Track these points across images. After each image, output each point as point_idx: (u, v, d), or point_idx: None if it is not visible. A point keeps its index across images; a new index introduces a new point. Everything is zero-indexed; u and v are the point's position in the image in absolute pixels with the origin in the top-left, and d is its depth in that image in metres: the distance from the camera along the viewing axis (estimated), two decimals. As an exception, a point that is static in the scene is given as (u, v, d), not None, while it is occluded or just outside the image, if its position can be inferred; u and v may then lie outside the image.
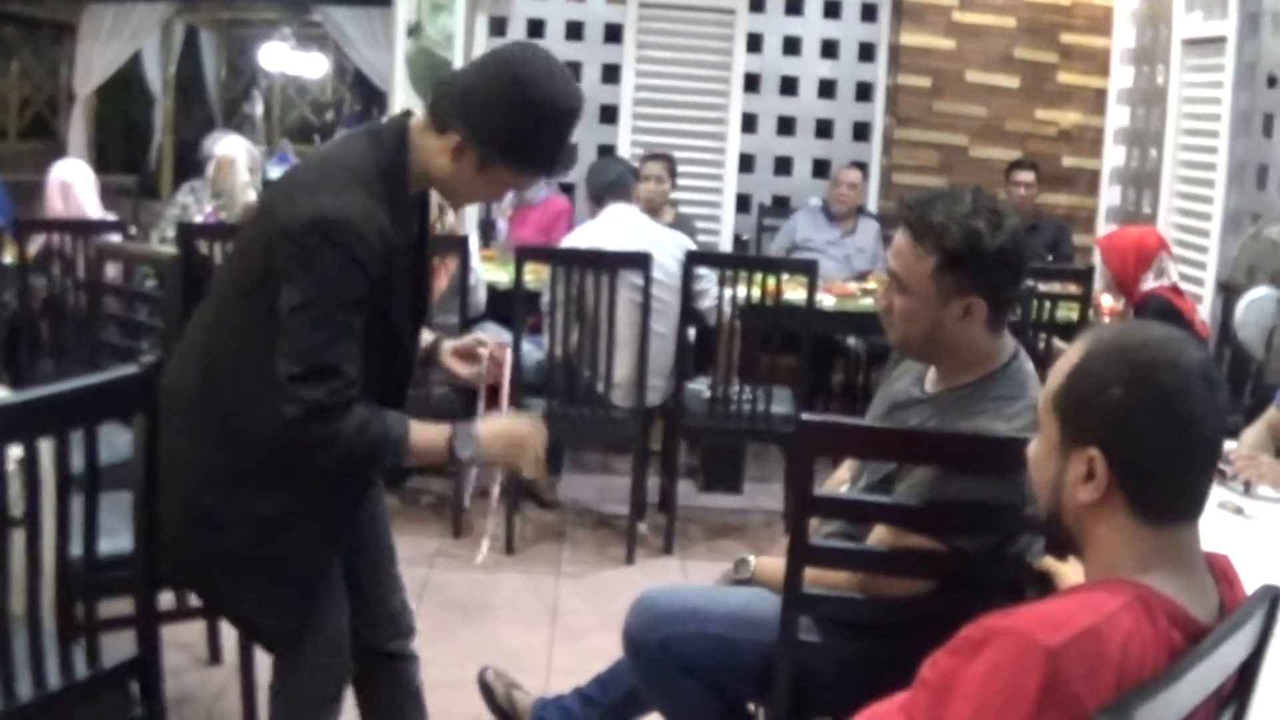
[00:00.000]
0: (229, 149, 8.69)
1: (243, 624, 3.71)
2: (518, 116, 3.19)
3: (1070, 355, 2.26)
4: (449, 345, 3.73)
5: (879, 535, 3.40)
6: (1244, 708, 2.26)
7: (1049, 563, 3.20)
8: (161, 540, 3.32)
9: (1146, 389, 2.14)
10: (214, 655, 5.13)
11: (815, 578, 3.35)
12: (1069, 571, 3.13)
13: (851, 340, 8.89)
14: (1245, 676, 2.25)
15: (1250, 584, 2.30)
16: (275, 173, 11.10)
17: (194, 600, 4.39)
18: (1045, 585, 3.19)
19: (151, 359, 3.29)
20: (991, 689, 2.00)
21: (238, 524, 3.29)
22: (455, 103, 3.22)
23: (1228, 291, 7.36)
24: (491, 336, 3.69)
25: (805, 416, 3.33)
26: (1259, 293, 6.86)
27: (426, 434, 3.33)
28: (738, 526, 7.49)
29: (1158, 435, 2.13)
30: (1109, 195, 10.62)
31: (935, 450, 3.33)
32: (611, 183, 7.18)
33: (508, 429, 3.49)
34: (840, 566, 3.42)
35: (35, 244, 7.51)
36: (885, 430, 3.51)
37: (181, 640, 5.01)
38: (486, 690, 4.65)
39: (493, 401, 5.55)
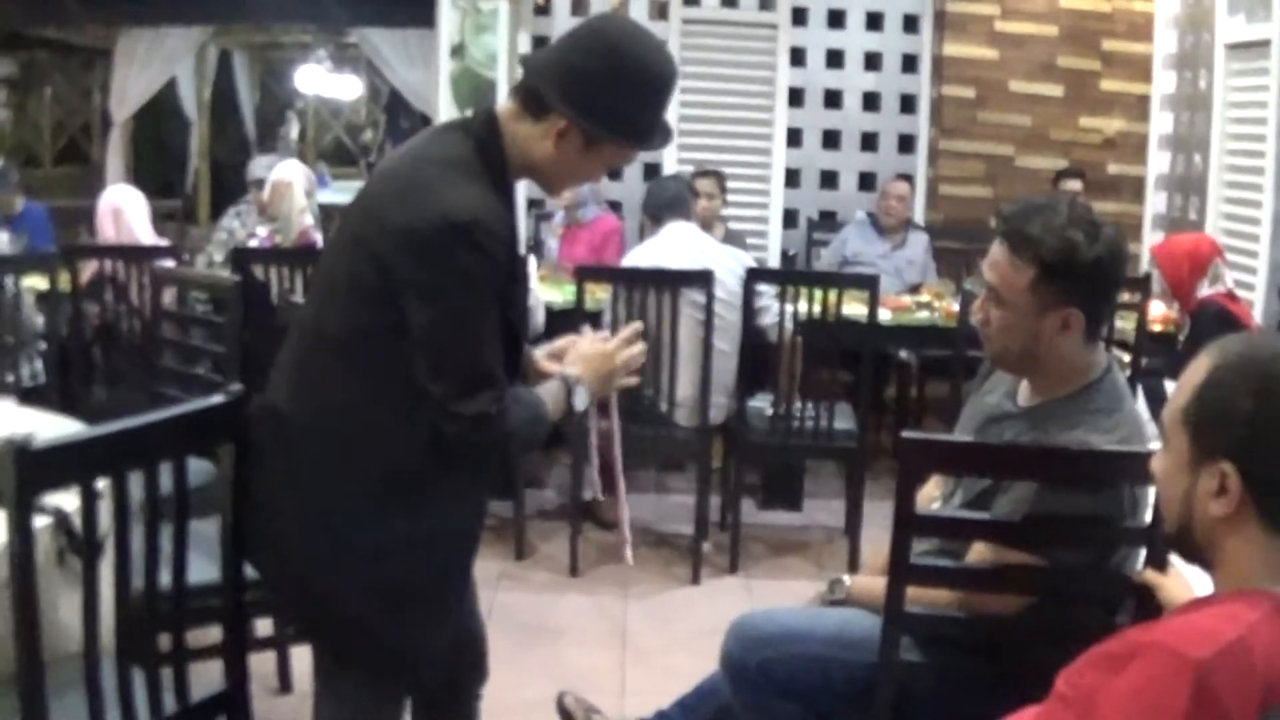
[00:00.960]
0: (286, 173, 8.64)
1: (361, 654, 3.35)
2: (623, 89, 3.09)
3: (1197, 369, 2.23)
4: (541, 352, 3.66)
5: (979, 552, 3.37)
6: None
7: (1150, 575, 3.15)
8: (278, 577, 3.27)
9: (1278, 400, 2.10)
10: (284, 684, 5.10)
11: (914, 596, 3.32)
12: (1171, 584, 3.09)
13: (904, 354, 8.84)
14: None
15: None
16: (321, 195, 11.12)
17: (261, 629, 4.36)
18: (1145, 598, 3.14)
19: (238, 388, 3.24)
20: (1140, 704, 1.96)
21: (377, 555, 3.14)
22: (554, 84, 3.07)
23: (1231, 299, 7.29)
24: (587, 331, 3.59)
25: (906, 434, 3.28)
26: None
27: (549, 395, 3.25)
28: (800, 544, 7.43)
29: None
30: (1155, 202, 10.57)
31: (1036, 465, 3.28)
32: (670, 200, 7.15)
33: (598, 363, 3.39)
34: (941, 585, 3.39)
35: (87, 270, 7.50)
36: (988, 446, 3.46)
37: (252, 670, 4.92)
38: (565, 715, 4.64)
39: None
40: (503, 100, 3.21)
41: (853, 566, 6.66)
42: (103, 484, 2.96)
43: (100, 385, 7.38)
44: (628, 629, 6.08)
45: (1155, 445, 2.46)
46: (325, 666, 3.36)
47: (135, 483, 3.02)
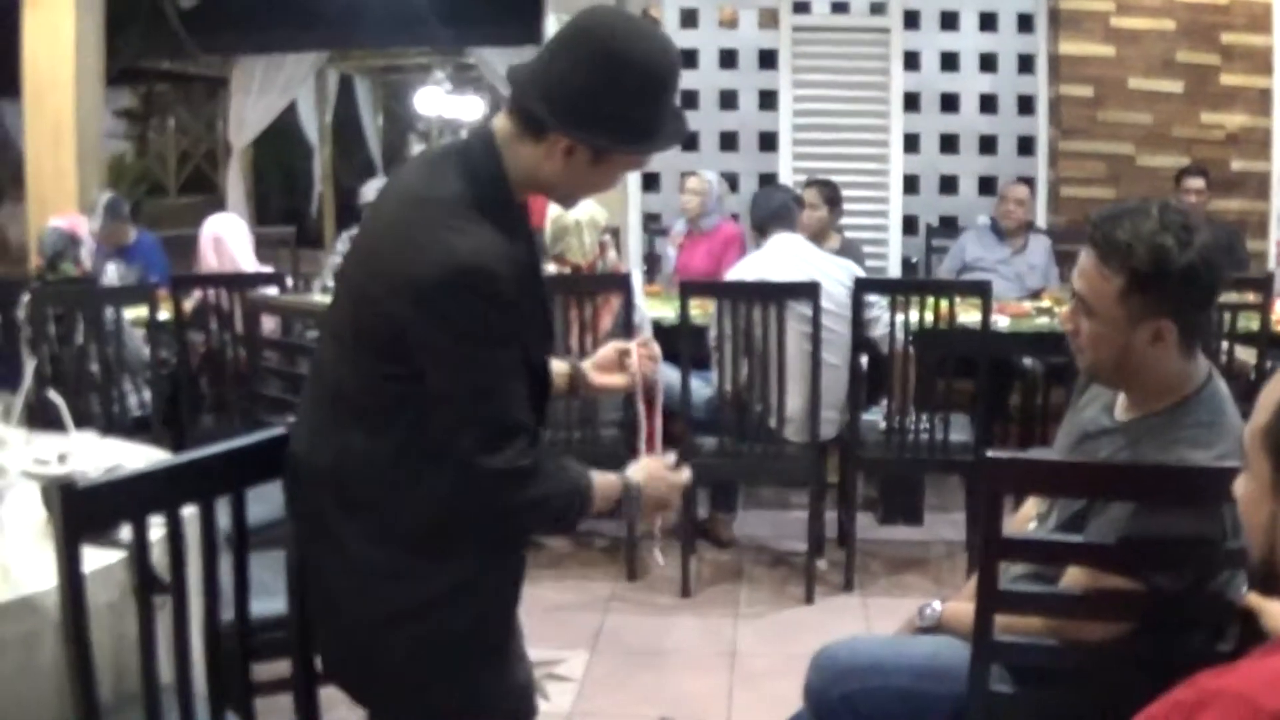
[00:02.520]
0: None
1: (409, 713, 3.25)
2: (622, 95, 2.87)
3: (1277, 385, 2.06)
4: (590, 364, 3.51)
5: (1073, 577, 3.21)
6: None
7: (1253, 599, 2.98)
8: (320, 633, 3.18)
9: None
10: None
11: (1006, 624, 3.17)
12: (1276, 609, 2.93)
13: (1028, 361, 8.66)
14: None
15: None
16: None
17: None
18: (1249, 624, 2.98)
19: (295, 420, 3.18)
20: None
21: (423, 610, 3.01)
22: (549, 103, 2.87)
23: None
24: (635, 341, 3.48)
25: (989, 453, 3.14)
26: None
27: (606, 482, 3.11)
28: (919, 559, 7.28)
29: None
30: (1281, 202, 10.30)
31: (1131, 485, 3.13)
32: (775, 212, 7.02)
33: (663, 488, 3.26)
34: (1032, 612, 3.24)
35: (191, 299, 7.52)
36: (1075, 465, 3.31)
37: (330, 696, 4.86)
38: (667, 740, 4.55)
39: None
40: (498, 120, 3.01)
41: (974, 583, 6.51)
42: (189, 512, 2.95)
43: (207, 414, 7.40)
44: (738, 650, 5.97)
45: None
46: None
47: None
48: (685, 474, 3.33)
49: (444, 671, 3.08)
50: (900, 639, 3.59)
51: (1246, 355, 6.96)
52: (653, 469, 3.27)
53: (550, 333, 3.32)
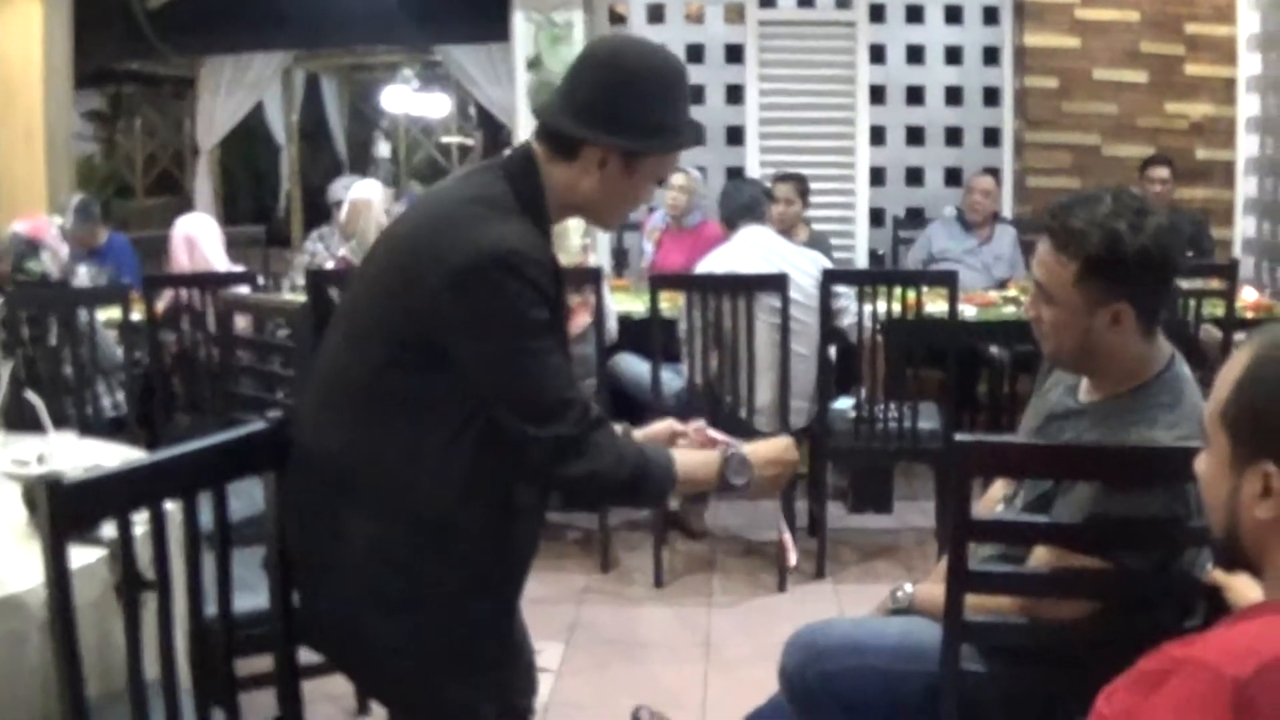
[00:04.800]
0: (364, 192, 8.65)
1: (418, 709, 3.27)
2: (640, 96, 3.02)
3: (1236, 363, 2.08)
4: (638, 435, 3.56)
5: (1041, 556, 3.26)
6: None
7: (1219, 575, 3.02)
8: (320, 624, 3.18)
9: None
10: (362, 707, 5.04)
11: (977, 604, 3.22)
12: (1240, 584, 2.97)
13: (995, 350, 8.72)
14: None
15: None
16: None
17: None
18: (1216, 599, 3.03)
19: (278, 414, 3.21)
20: None
21: (425, 600, 3.05)
22: (574, 117, 3.02)
23: None
24: (691, 425, 3.50)
25: (959, 437, 3.17)
26: None
27: (695, 459, 3.20)
28: (890, 547, 7.35)
29: None
30: (1246, 186, 10.39)
31: (1096, 465, 3.17)
32: (744, 205, 7.08)
33: (778, 455, 3.33)
34: (1001, 592, 3.28)
35: (163, 300, 7.52)
36: (1042, 447, 3.36)
37: (328, 692, 4.85)
38: (641, 730, 4.58)
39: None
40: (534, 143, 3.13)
41: (944, 569, 6.57)
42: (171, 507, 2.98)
43: (182, 413, 7.41)
44: (712, 640, 6.02)
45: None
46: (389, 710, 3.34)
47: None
48: (789, 444, 3.40)
49: (447, 661, 3.11)
50: (873, 620, 3.65)
51: (1214, 330, 7.04)
52: (770, 450, 3.33)
53: (565, 337, 3.38)
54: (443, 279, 2.87)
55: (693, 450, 3.26)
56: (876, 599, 3.74)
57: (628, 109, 3.01)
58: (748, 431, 6.52)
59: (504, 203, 3.00)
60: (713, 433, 3.42)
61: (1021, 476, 3.44)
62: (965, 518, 3.17)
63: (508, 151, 3.22)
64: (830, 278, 6.76)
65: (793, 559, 6.10)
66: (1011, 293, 8.38)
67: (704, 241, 8.96)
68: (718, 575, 6.92)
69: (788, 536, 3.74)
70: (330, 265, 8.46)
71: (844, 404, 7.09)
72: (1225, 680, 1.80)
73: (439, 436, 2.97)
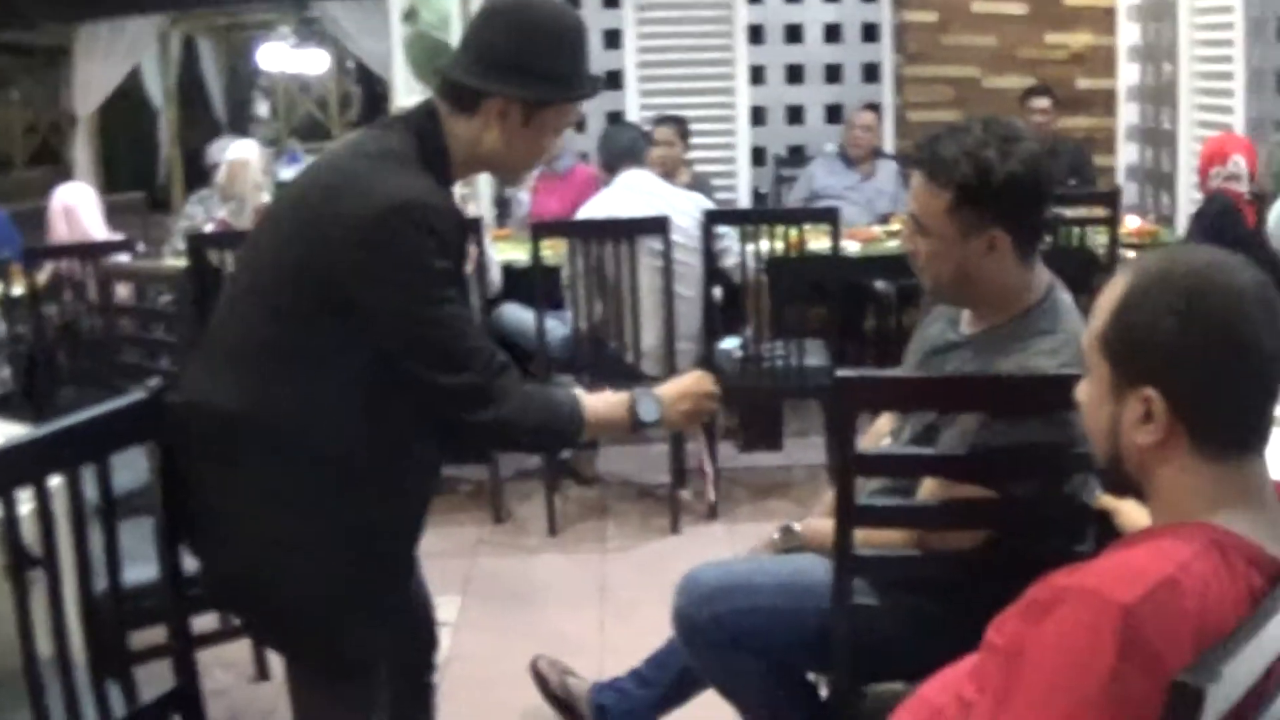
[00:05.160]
0: (241, 152, 8.56)
1: (319, 657, 3.27)
2: (539, 48, 3.04)
3: (1114, 289, 2.09)
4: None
5: (928, 488, 3.27)
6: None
7: (1107, 501, 3.04)
8: (220, 574, 3.18)
9: (1200, 319, 1.98)
10: (261, 672, 5.02)
11: (866, 538, 3.22)
12: (1129, 509, 2.99)
13: (880, 285, 8.75)
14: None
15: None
16: (286, 173, 11.00)
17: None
18: (1105, 524, 3.04)
19: (157, 382, 3.15)
20: (1066, 652, 1.85)
21: (324, 548, 3.05)
22: (474, 70, 3.05)
23: (1259, 200, 7.20)
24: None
25: (841, 372, 3.18)
26: (1286, 200, 6.70)
27: (603, 401, 3.24)
28: (782, 484, 7.37)
29: (1217, 368, 1.98)
30: (1127, 114, 10.43)
31: (978, 395, 3.18)
32: (624, 149, 7.08)
33: (689, 388, 3.38)
34: (890, 525, 3.29)
35: (44, 272, 7.42)
36: (924, 380, 3.37)
37: (227, 659, 4.91)
38: (540, 680, 4.56)
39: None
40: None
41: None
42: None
43: (68, 386, 7.30)
44: (607, 585, 6.03)
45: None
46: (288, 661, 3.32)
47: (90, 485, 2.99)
48: (702, 378, 3.44)
49: (346, 610, 3.12)
50: (763, 559, 3.64)
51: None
52: (681, 385, 3.40)
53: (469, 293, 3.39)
54: (347, 232, 2.89)
55: (601, 395, 3.29)
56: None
57: (526, 60, 3.03)
58: (634, 376, 6.52)
59: (406, 157, 3.02)
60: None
61: (905, 410, 3.44)
62: (851, 452, 3.17)
63: (410, 107, 3.24)
64: (712, 218, 6.77)
65: (712, 494, 6.14)
66: (894, 227, 8.36)
67: (577, 186, 8.94)
68: (611, 521, 6.94)
69: (709, 466, 3.71)
70: (209, 228, 8.35)
71: (730, 344, 7.11)
72: (1113, 606, 1.82)
73: (339, 386, 2.99)
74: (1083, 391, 2.20)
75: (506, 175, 3.37)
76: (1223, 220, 6.94)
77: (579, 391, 3.25)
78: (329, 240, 2.91)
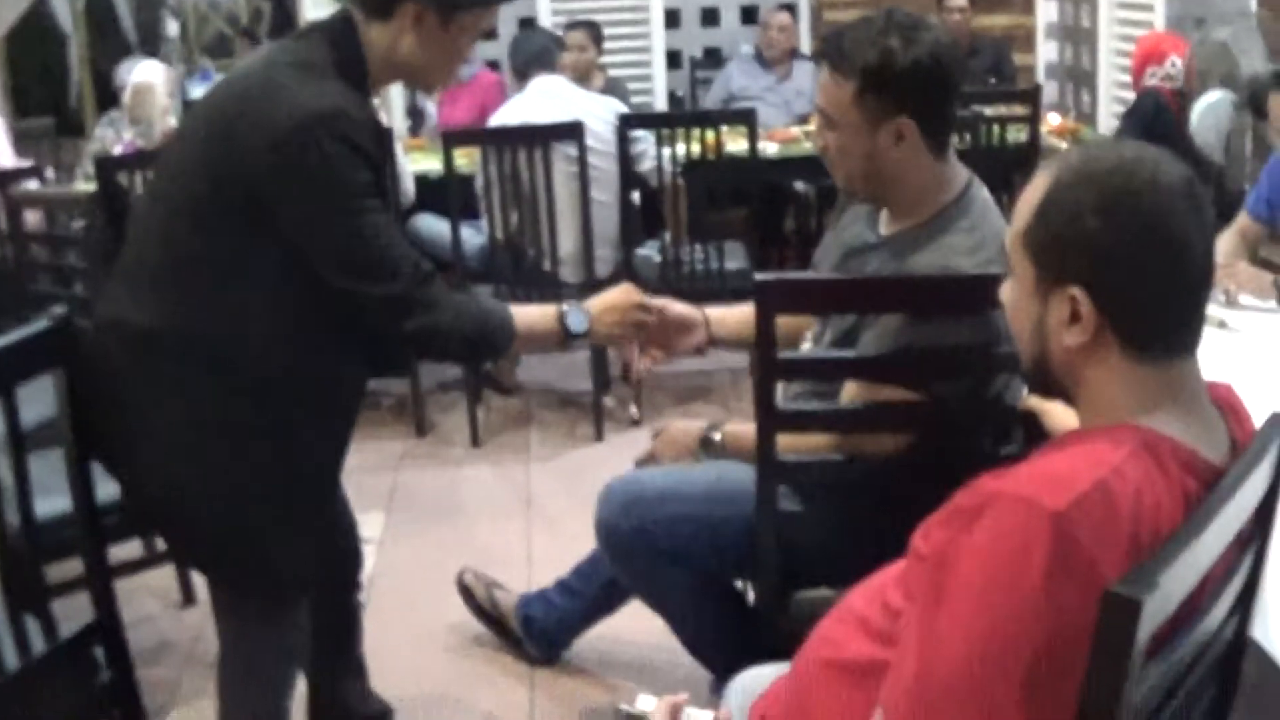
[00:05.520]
0: (145, 75, 8.41)
1: (240, 577, 3.28)
2: None
3: (1036, 187, 2.03)
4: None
5: (850, 392, 3.23)
6: (1265, 545, 2.09)
7: (1034, 402, 3.01)
8: (143, 497, 3.18)
9: (1125, 215, 1.91)
10: (187, 597, 4.97)
11: (790, 444, 3.18)
12: (1056, 410, 2.95)
13: (800, 186, 8.71)
14: (1264, 512, 2.06)
15: (1244, 401, 2.13)
16: (198, 91, 10.83)
17: (162, 544, 4.25)
18: (1032, 425, 3.02)
19: (62, 310, 3.08)
20: (995, 560, 1.80)
21: (248, 468, 3.05)
22: None
23: (1183, 98, 7.20)
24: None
25: (759, 276, 3.14)
26: (1213, 97, 6.71)
27: (532, 311, 3.24)
28: (705, 388, 7.34)
29: (1144, 264, 1.92)
30: (1046, 11, 10.38)
31: (898, 296, 3.14)
32: (535, 54, 6.95)
33: (616, 301, 3.39)
34: (812, 429, 3.25)
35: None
36: (844, 281, 3.32)
37: (153, 586, 4.89)
38: (466, 593, 4.55)
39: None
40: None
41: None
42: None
43: (-20, 317, 7.17)
44: (533, 496, 6.00)
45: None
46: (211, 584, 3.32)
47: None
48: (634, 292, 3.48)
49: (270, 525, 3.12)
50: (684, 467, 3.58)
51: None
52: (607, 297, 3.42)
53: (390, 201, 3.34)
54: (264, 142, 2.84)
55: (530, 306, 3.30)
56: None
57: None
58: (553, 284, 6.47)
59: (323, 66, 2.96)
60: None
61: (824, 312, 3.39)
62: (772, 357, 3.12)
63: (326, 16, 3.16)
64: (627, 122, 6.70)
65: (635, 411, 6.11)
66: (813, 128, 8.30)
67: (482, 92, 8.89)
68: (535, 430, 6.89)
69: (637, 360, 3.66)
70: (118, 150, 8.21)
71: (649, 249, 7.06)
72: (1043, 512, 1.77)
73: (262, 302, 2.96)
74: (1006, 292, 2.14)
75: (426, 84, 3.28)
76: (1156, 119, 6.94)
77: (508, 304, 3.22)
78: (246, 152, 2.86)
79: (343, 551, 3.60)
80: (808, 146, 7.82)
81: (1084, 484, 1.80)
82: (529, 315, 3.23)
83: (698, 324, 3.64)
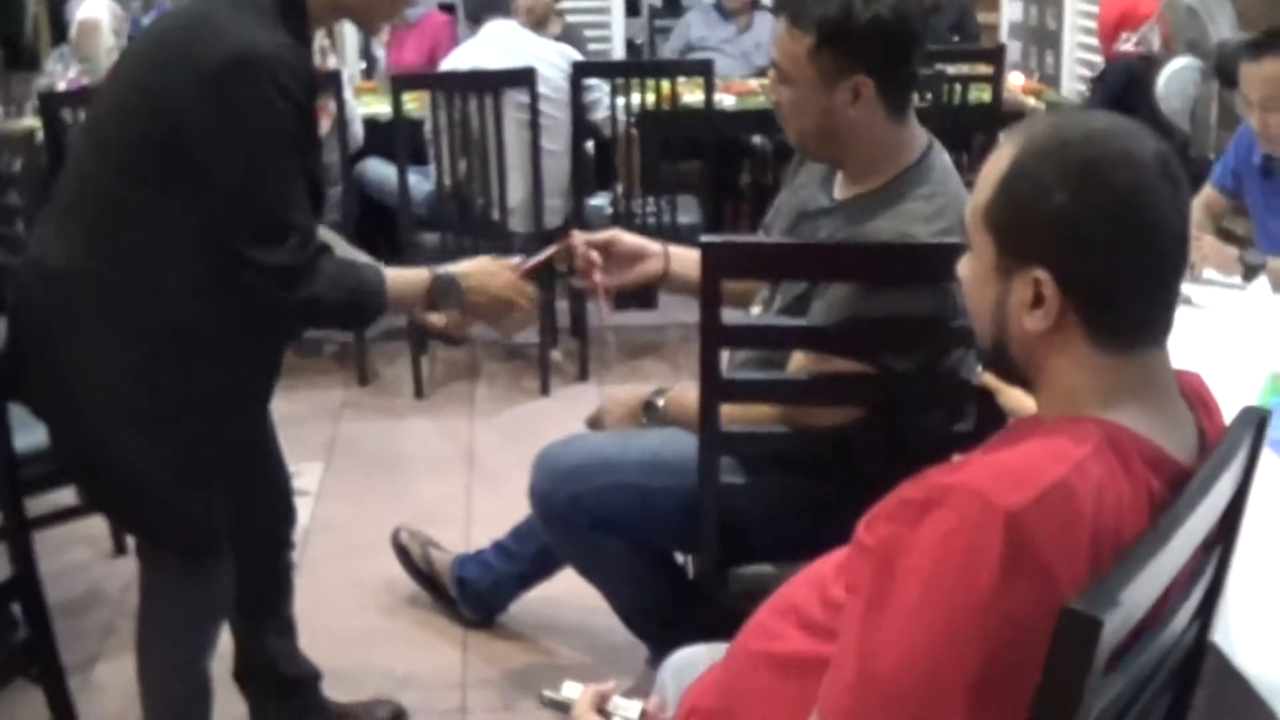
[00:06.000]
0: (91, 11, 8.26)
1: (164, 529, 3.19)
2: None
3: (1000, 159, 1.89)
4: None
5: (799, 362, 3.12)
6: (1229, 548, 1.98)
7: (989, 379, 2.89)
8: (66, 446, 3.08)
9: (1096, 191, 1.78)
10: (119, 547, 4.85)
11: (734, 414, 3.07)
12: (1012, 389, 2.85)
13: (757, 139, 8.59)
14: (1230, 515, 1.95)
15: (1208, 379, 2.01)
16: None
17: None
18: (986, 403, 2.91)
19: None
20: (946, 560, 1.68)
21: (170, 415, 2.94)
22: None
23: (1147, 64, 7.11)
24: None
25: (705, 238, 3.04)
26: (1179, 64, 6.59)
27: (404, 278, 3.09)
28: (655, 344, 7.25)
29: (1114, 246, 1.79)
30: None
31: (852, 264, 3.01)
32: (489, -2, 6.79)
33: (493, 279, 3.27)
34: (759, 399, 3.15)
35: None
36: (796, 246, 3.20)
37: (85, 534, 4.79)
38: (402, 552, 4.47)
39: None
40: None
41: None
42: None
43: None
44: (475, 452, 5.89)
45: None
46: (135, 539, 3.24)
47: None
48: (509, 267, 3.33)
49: (191, 479, 3.03)
50: (624, 434, 3.48)
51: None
52: (484, 264, 3.28)
53: (320, 153, 3.20)
54: (191, 79, 2.75)
55: (403, 271, 3.15)
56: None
57: None
58: (502, 233, 6.36)
59: (261, 6, 2.85)
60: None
61: (775, 278, 3.26)
62: (716, 322, 3.01)
63: None
64: (580, 71, 6.57)
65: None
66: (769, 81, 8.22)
67: (431, 33, 8.77)
68: (480, 383, 6.77)
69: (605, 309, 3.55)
70: (62, 87, 8.06)
71: (601, 200, 6.96)
72: (998, 510, 1.65)
73: (182, 248, 2.86)
74: (965, 267, 2.00)
75: (368, 23, 3.15)
76: (1129, 87, 6.87)
77: (385, 270, 3.10)
78: (174, 88, 2.77)
79: (274, 508, 3.47)
80: (765, 100, 7.74)
81: (1043, 482, 1.68)
82: (400, 283, 3.10)
83: (653, 253, 3.52)
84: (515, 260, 3.35)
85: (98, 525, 4.73)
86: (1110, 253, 1.79)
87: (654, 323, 7.50)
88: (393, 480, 5.59)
